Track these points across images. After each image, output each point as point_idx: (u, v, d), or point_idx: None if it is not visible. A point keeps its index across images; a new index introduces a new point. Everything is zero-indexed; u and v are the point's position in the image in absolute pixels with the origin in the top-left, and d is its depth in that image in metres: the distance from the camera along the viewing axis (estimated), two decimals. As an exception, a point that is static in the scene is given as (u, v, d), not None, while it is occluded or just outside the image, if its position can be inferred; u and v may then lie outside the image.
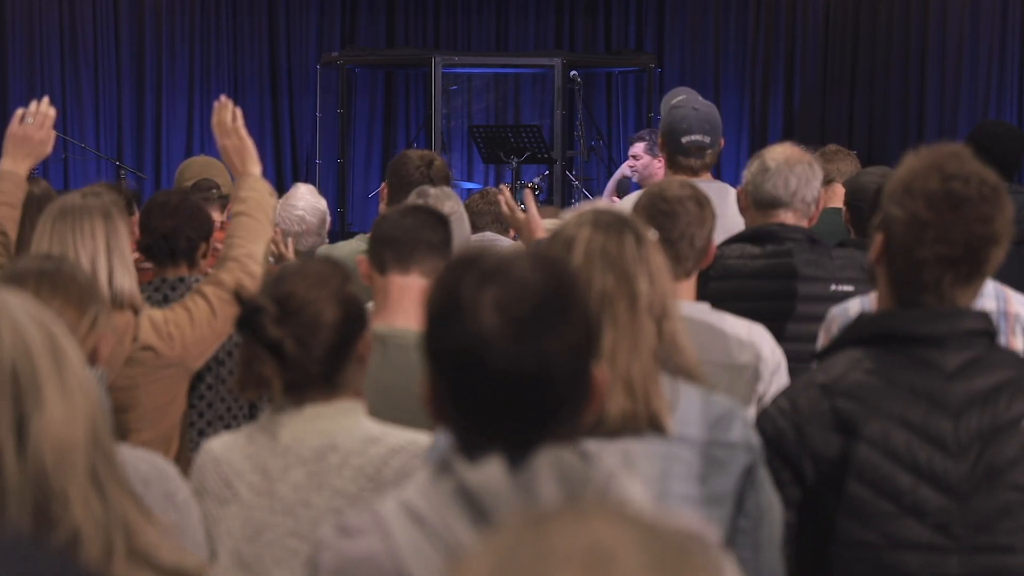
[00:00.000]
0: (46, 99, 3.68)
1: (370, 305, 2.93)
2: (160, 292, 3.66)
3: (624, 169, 7.42)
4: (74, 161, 10.56)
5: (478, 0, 11.36)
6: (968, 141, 4.89)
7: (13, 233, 3.62)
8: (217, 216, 4.49)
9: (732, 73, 11.30)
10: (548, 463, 1.54)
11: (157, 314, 3.21)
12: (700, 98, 4.57)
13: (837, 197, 4.70)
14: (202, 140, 10.64)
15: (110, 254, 3.10)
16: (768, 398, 2.93)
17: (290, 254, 4.69)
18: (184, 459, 3.32)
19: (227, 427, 3.65)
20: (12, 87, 10.48)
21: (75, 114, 10.72)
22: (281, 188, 10.32)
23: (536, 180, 8.96)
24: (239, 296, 2.29)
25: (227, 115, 3.46)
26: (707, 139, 4.34)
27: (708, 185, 3.83)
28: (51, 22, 10.72)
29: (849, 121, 11.13)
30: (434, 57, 9.92)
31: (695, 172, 4.33)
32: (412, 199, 3.81)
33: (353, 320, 2.31)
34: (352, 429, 2.29)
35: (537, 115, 10.95)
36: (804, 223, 3.59)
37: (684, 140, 4.33)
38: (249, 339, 2.28)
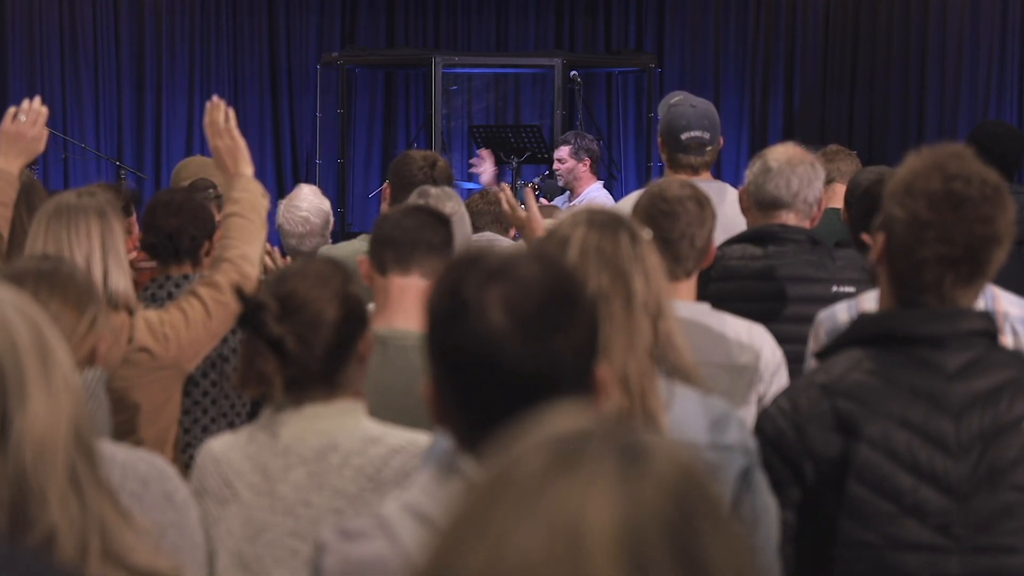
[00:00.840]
0: (38, 98, 3.68)
1: (371, 306, 2.93)
2: (164, 290, 3.66)
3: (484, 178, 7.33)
4: (74, 161, 10.55)
5: (478, 0, 11.35)
6: (968, 141, 4.89)
7: (6, 231, 3.62)
8: (217, 215, 4.50)
9: (732, 73, 11.29)
10: None
11: (152, 315, 3.21)
12: (697, 98, 4.58)
13: (837, 197, 4.70)
14: (202, 140, 10.60)
15: (105, 254, 3.10)
16: (768, 399, 2.93)
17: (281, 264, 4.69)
18: (182, 461, 3.32)
19: (230, 425, 3.66)
20: (12, 87, 10.48)
21: (75, 114, 10.72)
22: (281, 189, 10.31)
23: (536, 180, 8.95)
24: (240, 294, 2.29)
25: (219, 115, 3.45)
26: (706, 135, 4.34)
27: (707, 185, 3.83)
28: (51, 22, 10.71)
29: (849, 121, 11.12)
30: (434, 57, 9.92)
31: (695, 170, 4.32)
32: (413, 199, 3.81)
33: (354, 320, 2.31)
34: (353, 429, 2.29)
35: (537, 115, 10.94)
36: (806, 224, 3.59)
37: (683, 137, 4.33)
38: (250, 336, 2.28)
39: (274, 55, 11.13)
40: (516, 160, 8.88)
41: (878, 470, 2.16)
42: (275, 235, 5.34)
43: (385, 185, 4.55)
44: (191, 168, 5.27)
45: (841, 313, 3.03)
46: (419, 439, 2.27)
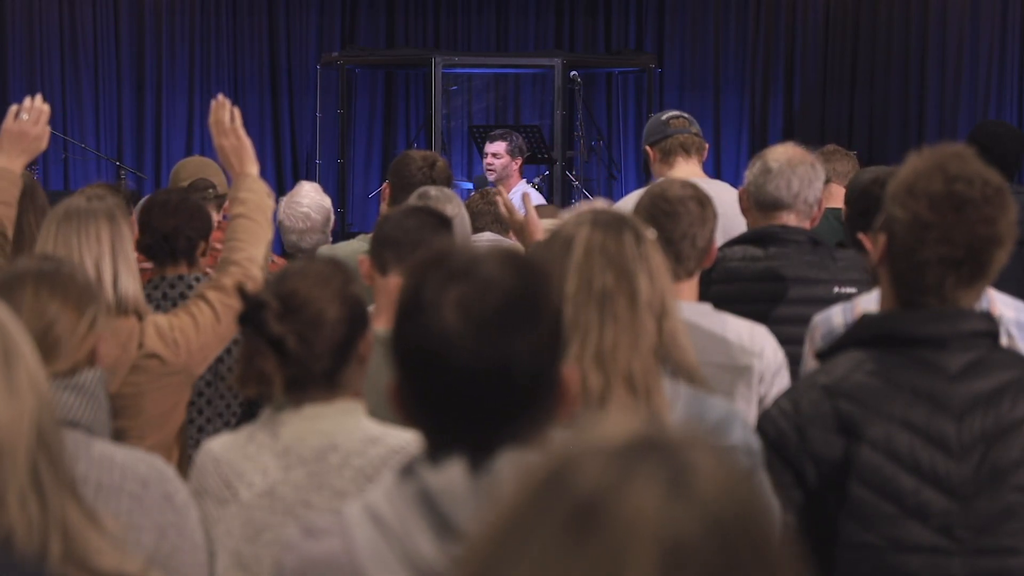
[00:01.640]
0: (39, 96, 3.66)
1: (371, 308, 2.93)
2: (159, 290, 3.65)
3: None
4: (74, 161, 10.55)
5: (478, 0, 11.35)
6: (968, 141, 4.88)
7: (9, 230, 3.61)
8: (214, 216, 4.49)
9: (732, 73, 11.29)
10: (511, 466, 1.53)
11: (162, 320, 3.20)
12: None
13: (834, 198, 4.70)
14: (202, 140, 10.64)
15: (115, 258, 3.09)
16: (769, 400, 2.93)
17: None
18: (186, 462, 3.31)
19: (225, 424, 3.65)
20: (12, 87, 10.47)
21: (75, 114, 10.71)
22: (282, 189, 10.30)
23: (536, 180, 8.95)
24: (241, 291, 2.29)
25: (225, 115, 3.44)
26: (688, 117, 4.57)
27: (705, 184, 3.82)
28: (51, 22, 10.71)
29: (849, 121, 11.12)
30: (434, 57, 9.92)
31: (687, 151, 4.42)
32: (413, 200, 3.80)
33: (355, 320, 2.31)
34: (352, 429, 2.29)
35: (537, 115, 10.94)
36: (806, 224, 3.58)
37: (665, 117, 4.57)
38: (251, 335, 2.28)
39: (274, 55, 11.13)
40: (516, 160, 8.88)
41: (880, 471, 2.15)
42: (276, 231, 5.33)
43: (385, 185, 4.55)
44: (190, 168, 5.26)
45: (836, 316, 3.02)
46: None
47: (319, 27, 11.16)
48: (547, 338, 1.55)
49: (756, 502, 0.94)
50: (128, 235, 3.16)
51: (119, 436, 2.32)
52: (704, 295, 3.19)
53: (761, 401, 3.02)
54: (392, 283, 3.05)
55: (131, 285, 3.12)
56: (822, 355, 2.32)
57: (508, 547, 0.92)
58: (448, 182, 4.41)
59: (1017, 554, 2.16)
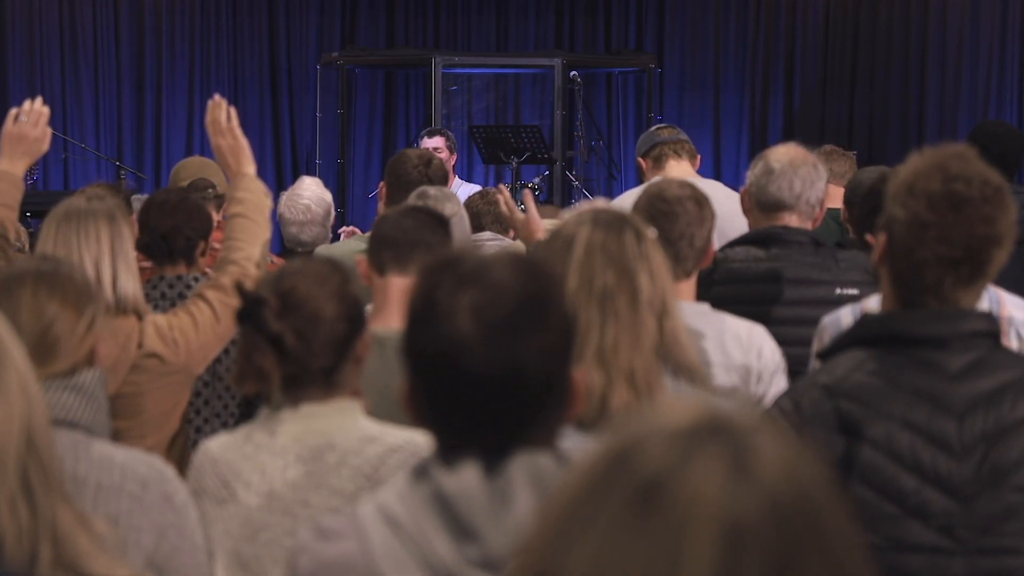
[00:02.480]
0: (40, 98, 3.66)
1: (369, 307, 2.93)
2: (157, 290, 3.65)
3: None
4: (74, 161, 10.55)
5: (478, 0, 11.35)
6: (968, 141, 4.88)
7: (11, 233, 3.60)
8: (214, 216, 4.49)
9: (732, 73, 11.29)
10: (524, 469, 1.54)
11: (162, 320, 3.20)
12: None
13: (831, 198, 4.70)
14: (202, 140, 10.64)
15: (115, 258, 3.09)
16: (768, 400, 2.93)
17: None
18: (186, 462, 3.31)
19: (223, 424, 3.65)
20: (12, 87, 10.47)
21: (75, 114, 10.71)
22: (282, 188, 10.26)
23: (536, 180, 8.95)
24: (241, 289, 2.30)
25: (221, 114, 3.44)
26: (677, 128, 4.76)
27: (699, 184, 3.82)
28: (51, 22, 10.71)
29: (849, 121, 11.12)
30: (434, 57, 9.92)
31: (677, 154, 4.50)
32: (412, 200, 3.80)
33: (353, 319, 2.32)
34: (350, 428, 2.29)
35: (537, 115, 10.94)
36: (808, 225, 3.56)
37: (653, 129, 4.79)
38: (249, 332, 2.28)
39: (274, 55, 11.12)
40: (516, 160, 8.88)
41: (881, 471, 2.15)
42: (276, 228, 5.33)
43: (381, 184, 4.55)
44: (190, 168, 5.26)
45: (845, 317, 3.02)
46: (416, 438, 2.27)
47: (319, 27, 11.16)
48: (558, 341, 1.56)
49: (818, 484, 0.95)
50: (128, 235, 3.16)
51: (119, 436, 2.31)
52: (706, 296, 3.18)
53: (760, 401, 3.02)
54: (391, 283, 3.05)
55: (130, 285, 3.12)
56: (823, 355, 2.32)
57: (574, 524, 0.94)
58: (444, 180, 4.42)
59: (1018, 554, 2.16)
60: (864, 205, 3.68)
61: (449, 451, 1.57)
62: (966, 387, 2.17)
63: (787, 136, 10.18)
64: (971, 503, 2.15)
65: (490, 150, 9.16)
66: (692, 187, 3.17)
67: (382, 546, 1.56)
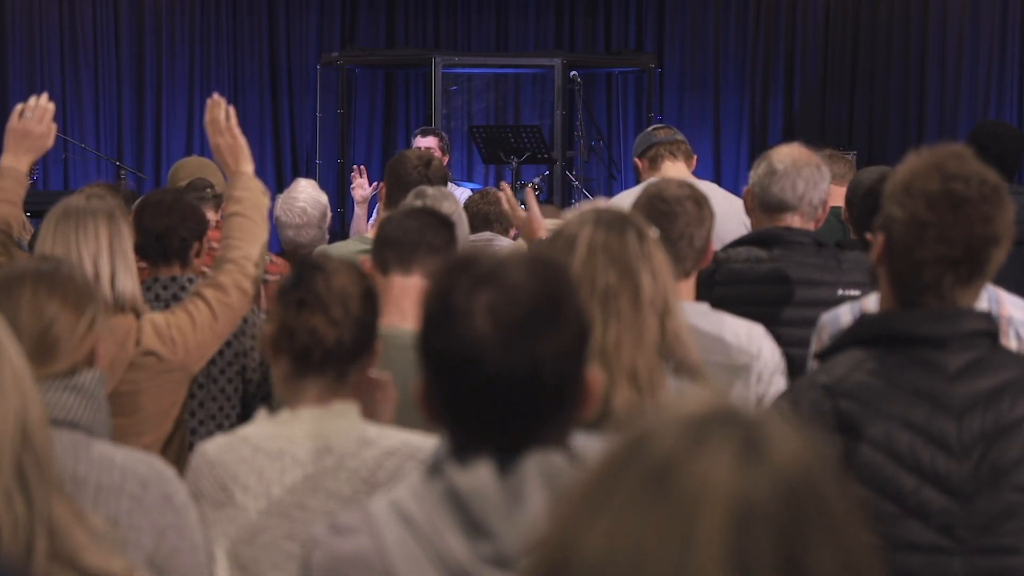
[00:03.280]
0: (45, 94, 3.66)
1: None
2: (152, 291, 3.65)
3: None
4: (74, 161, 10.55)
5: (478, 0, 11.35)
6: (968, 141, 4.88)
7: (16, 230, 3.60)
8: (212, 215, 4.49)
9: (732, 73, 11.29)
10: (537, 467, 1.54)
11: (159, 318, 3.20)
12: None
13: (833, 196, 4.71)
14: (202, 140, 10.63)
15: (113, 256, 3.10)
16: (767, 400, 2.93)
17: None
18: (184, 461, 3.31)
19: (219, 427, 3.65)
20: (12, 87, 10.47)
21: (75, 114, 10.71)
22: (281, 189, 10.26)
23: (536, 180, 8.95)
24: (295, 259, 2.35)
25: (220, 113, 3.44)
26: (673, 128, 4.77)
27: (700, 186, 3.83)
28: (51, 22, 10.71)
29: (849, 121, 11.12)
30: (434, 57, 9.92)
31: (673, 155, 4.51)
32: (410, 200, 3.81)
33: (372, 327, 2.34)
34: (347, 431, 2.29)
35: (537, 115, 10.94)
36: (810, 226, 3.56)
37: (650, 129, 4.78)
38: (295, 299, 2.29)
39: (274, 55, 11.12)
40: (516, 160, 8.88)
41: (880, 471, 2.15)
42: (273, 230, 5.33)
43: (381, 185, 4.56)
44: (188, 168, 5.26)
45: (844, 316, 3.02)
46: (414, 440, 2.27)
47: (319, 27, 11.15)
48: (573, 341, 1.57)
49: (824, 468, 0.98)
50: (127, 234, 3.16)
51: (116, 434, 2.31)
52: (707, 296, 3.19)
53: (759, 401, 3.02)
54: (394, 283, 3.06)
55: (129, 283, 3.12)
56: (822, 355, 2.32)
57: (589, 507, 0.97)
58: (444, 181, 4.42)
59: (1017, 553, 2.16)
60: (863, 205, 3.69)
61: (463, 449, 1.58)
62: (965, 387, 2.17)
63: (787, 136, 10.18)
64: (970, 502, 2.15)
65: (490, 150, 9.16)
66: (691, 187, 3.17)
67: (396, 543, 1.57)
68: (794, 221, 3.52)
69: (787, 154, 3.56)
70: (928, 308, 2.20)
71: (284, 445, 2.29)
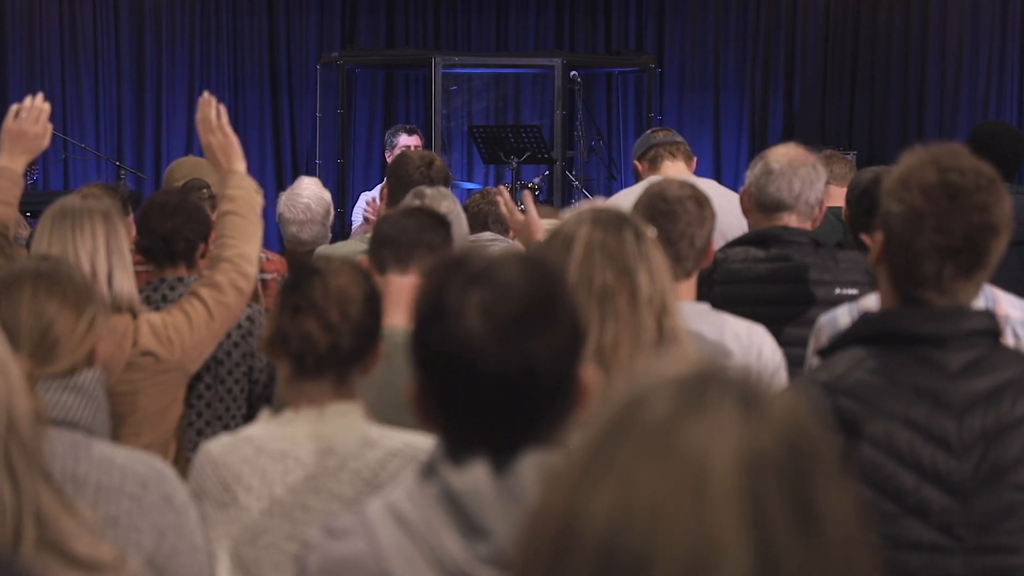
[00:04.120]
0: (40, 94, 3.66)
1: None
2: (159, 292, 3.65)
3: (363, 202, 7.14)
4: (74, 161, 10.54)
5: (478, 0, 11.35)
6: (968, 141, 4.89)
7: (12, 231, 3.60)
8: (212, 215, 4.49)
9: (732, 73, 11.28)
10: (533, 467, 1.54)
11: (156, 318, 3.20)
12: None
13: (832, 198, 4.71)
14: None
15: (110, 255, 3.09)
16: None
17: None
18: (182, 461, 3.31)
19: (225, 427, 3.65)
20: (12, 87, 10.47)
21: (75, 114, 10.70)
22: (281, 189, 10.27)
23: (536, 180, 8.95)
24: (294, 258, 2.34)
25: (211, 112, 3.44)
26: (672, 130, 4.80)
27: (697, 183, 3.83)
28: (51, 22, 10.70)
29: (849, 121, 11.11)
30: (434, 57, 9.91)
31: (672, 155, 4.51)
32: (408, 199, 3.81)
33: (375, 328, 2.34)
34: (349, 432, 2.29)
35: (537, 115, 10.93)
36: (807, 225, 3.57)
37: (649, 132, 4.82)
38: (291, 301, 2.30)
39: (274, 55, 11.12)
40: (516, 160, 8.88)
41: (880, 469, 2.15)
42: (274, 228, 5.33)
43: (383, 184, 4.55)
44: (184, 168, 5.26)
45: (843, 317, 3.02)
46: (416, 441, 2.27)
47: (319, 27, 11.15)
48: (567, 339, 1.57)
49: (814, 419, 1.03)
50: (124, 234, 3.15)
51: (114, 434, 2.31)
52: (706, 296, 3.19)
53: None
54: (391, 282, 3.06)
55: (126, 283, 3.12)
56: (823, 352, 2.32)
57: (590, 472, 0.99)
58: (446, 181, 4.42)
59: (1017, 553, 2.16)
60: (858, 205, 3.69)
61: (457, 450, 1.57)
62: (966, 385, 2.17)
63: (787, 136, 10.18)
64: (970, 501, 2.15)
65: (490, 150, 9.15)
66: (692, 187, 3.17)
67: (392, 544, 1.57)
68: (791, 220, 3.53)
69: (783, 154, 3.57)
70: (929, 303, 2.19)
71: (287, 446, 2.29)
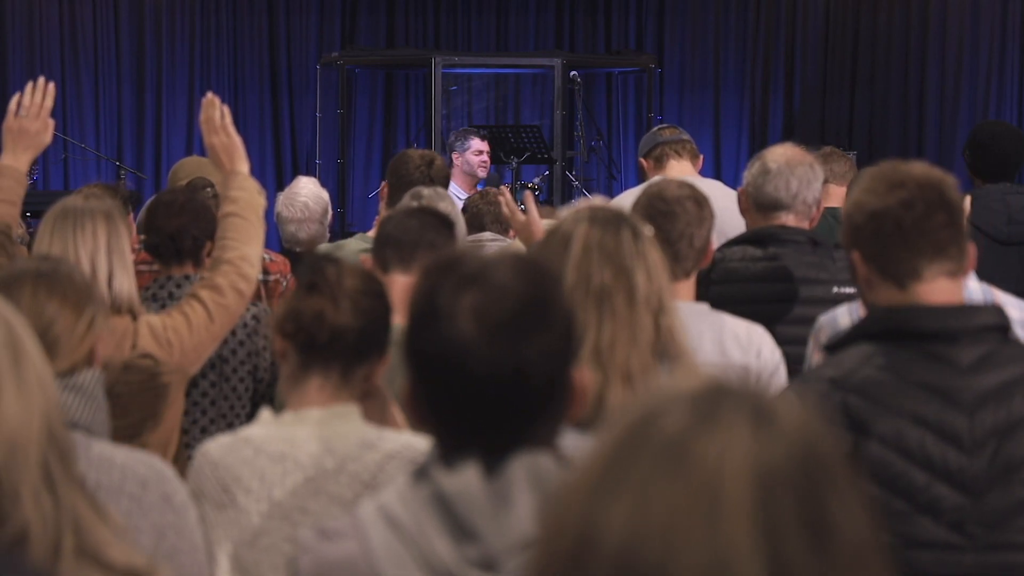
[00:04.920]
0: (41, 79, 3.61)
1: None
2: (165, 290, 3.66)
3: None
4: (74, 161, 10.55)
5: (478, 0, 11.35)
6: (968, 141, 4.88)
7: (16, 230, 3.59)
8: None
9: (732, 73, 11.29)
10: (524, 470, 1.54)
11: (155, 320, 3.19)
12: None
13: (832, 198, 4.72)
14: (202, 140, 10.61)
15: (110, 256, 3.09)
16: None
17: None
18: (182, 461, 3.31)
19: (229, 426, 3.65)
20: (12, 87, 10.46)
21: (75, 114, 10.70)
22: (281, 189, 10.27)
23: (536, 180, 8.95)
24: (296, 256, 2.35)
25: (215, 112, 3.44)
26: (678, 128, 4.75)
27: (699, 183, 3.83)
28: (51, 22, 10.70)
29: (849, 121, 11.11)
30: (434, 57, 9.91)
31: (678, 153, 4.51)
32: (406, 200, 3.82)
33: (382, 330, 2.34)
34: (348, 434, 2.29)
35: (537, 115, 10.94)
36: (805, 225, 3.57)
37: (655, 129, 4.78)
38: (307, 285, 2.31)
39: (274, 55, 11.12)
40: (516, 160, 8.88)
41: (890, 467, 2.15)
42: (273, 228, 5.33)
43: (383, 184, 4.56)
44: (188, 168, 5.26)
45: (843, 317, 3.02)
46: (414, 443, 2.27)
47: (319, 27, 11.16)
48: (560, 341, 1.56)
49: (826, 432, 1.04)
50: (125, 235, 3.15)
51: (113, 435, 2.32)
52: (704, 295, 3.19)
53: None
54: (395, 282, 3.06)
55: (126, 284, 3.12)
56: (830, 348, 2.32)
57: (605, 486, 0.99)
58: (445, 181, 4.42)
59: (1028, 550, 2.16)
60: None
61: (449, 452, 1.57)
62: (976, 381, 2.17)
63: (787, 136, 10.19)
64: (982, 498, 2.14)
65: (490, 150, 9.15)
66: (692, 187, 3.18)
67: (383, 547, 1.57)
68: (788, 220, 3.53)
69: (780, 154, 3.58)
70: (939, 305, 2.22)
71: (286, 448, 2.29)
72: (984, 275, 3.01)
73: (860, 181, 2.27)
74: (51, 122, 3.59)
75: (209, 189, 4.73)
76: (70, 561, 1.48)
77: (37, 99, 3.57)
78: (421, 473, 1.58)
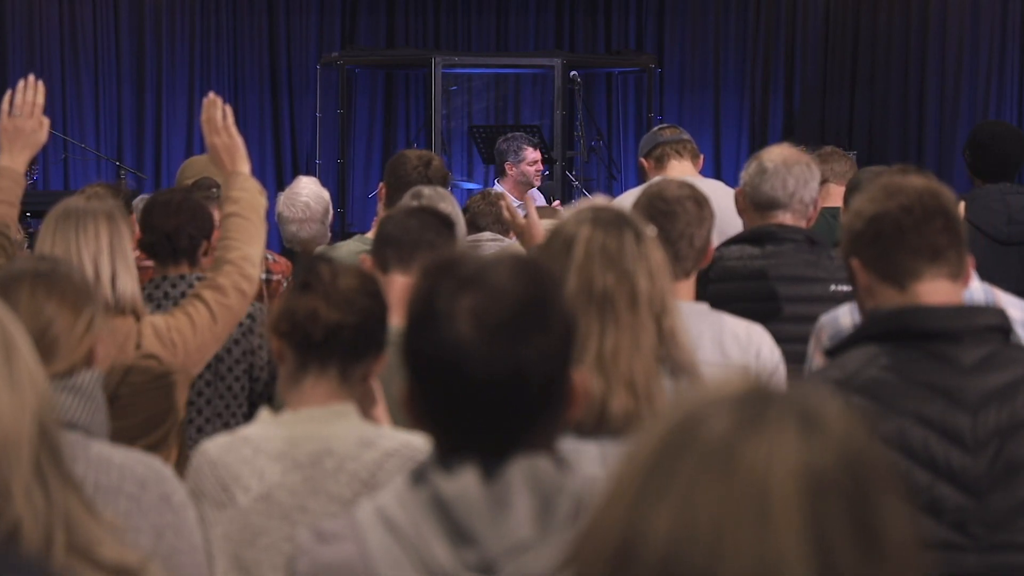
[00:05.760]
0: (31, 76, 3.60)
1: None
2: (160, 289, 3.65)
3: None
4: (74, 161, 10.54)
5: (478, 0, 11.35)
6: (968, 141, 4.88)
7: (14, 232, 3.59)
8: (218, 215, 4.49)
9: (732, 73, 11.28)
10: (522, 473, 1.53)
11: (159, 321, 3.19)
12: None
13: (832, 197, 4.72)
14: (202, 140, 10.57)
15: (113, 256, 3.08)
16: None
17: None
18: (183, 462, 3.31)
19: (226, 425, 3.65)
20: (12, 87, 10.45)
21: (75, 114, 10.70)
22: (281, 189, 10.26)
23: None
24: (297, 256, 2.35)
25: (216, 112, 3.43)
26: (679, 127, 4.75)
27: (700, 183, 3.83)
28: (51, 22, 10.70)
29: (849, 121, 11.11)
30: (434, 57, 9.91)
31: (679, 153, 4.50)
32: (407, 199, 3.81)
33: (379, 328, 2.34)
34: (347, 433, 2.29)
35: (537, 115, 10.93)
36: (803, 224, 3.58)
37: (656, 129, 4.77)
38: (296, 284, 2.31)
39: (274, 55, 11.12)
40: (516, 160, 8.87)
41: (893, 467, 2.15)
42: (274, 228, 5.33)
43: (381, 185, 4.56)
44: (195, 167, 5.27)
45: (844, 317, 3.03)
46: (413, 441, 2.27)
47: (319, 27, 11.15)
48: (558, 344, 1.56)
49: (872, 436, 1.03)
50: (127, 235, 3.15)
51: (114, 436, 2.31)
52: (702, 294, 3.19)
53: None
54: (394, 282, 3.06)
55: (129, 285, 3.11)
56: (832, 351, 2.32)
57: (649, 491, 0.98)
58: (444, 181, 4.41)
59: (1031, 550, 2.16)
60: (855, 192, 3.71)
61: (448, 454, 1.56)
62: (980, 381, 2.17)
63: (787, 136, 10.19)
64: (985, 498, 2.14)
65: (490, 150, 9.15)
66: (692, 187, 3.18)
67: (380, 549, 1.56)
68: (786, 219, 3.54)
69: (777, 153, 3.59)
70: (942, 305, 2.21)
71: (285, 447, 2.29)
72: (984, 275, 3.01)
73: (858, 195, 2.28)
74: (46, 120, 3.58)
75: (215, 189, 4.74)
76: (62, 556, 1.48)
77: (29, 97, 3.56)
78: (419, 475, 1.58)
